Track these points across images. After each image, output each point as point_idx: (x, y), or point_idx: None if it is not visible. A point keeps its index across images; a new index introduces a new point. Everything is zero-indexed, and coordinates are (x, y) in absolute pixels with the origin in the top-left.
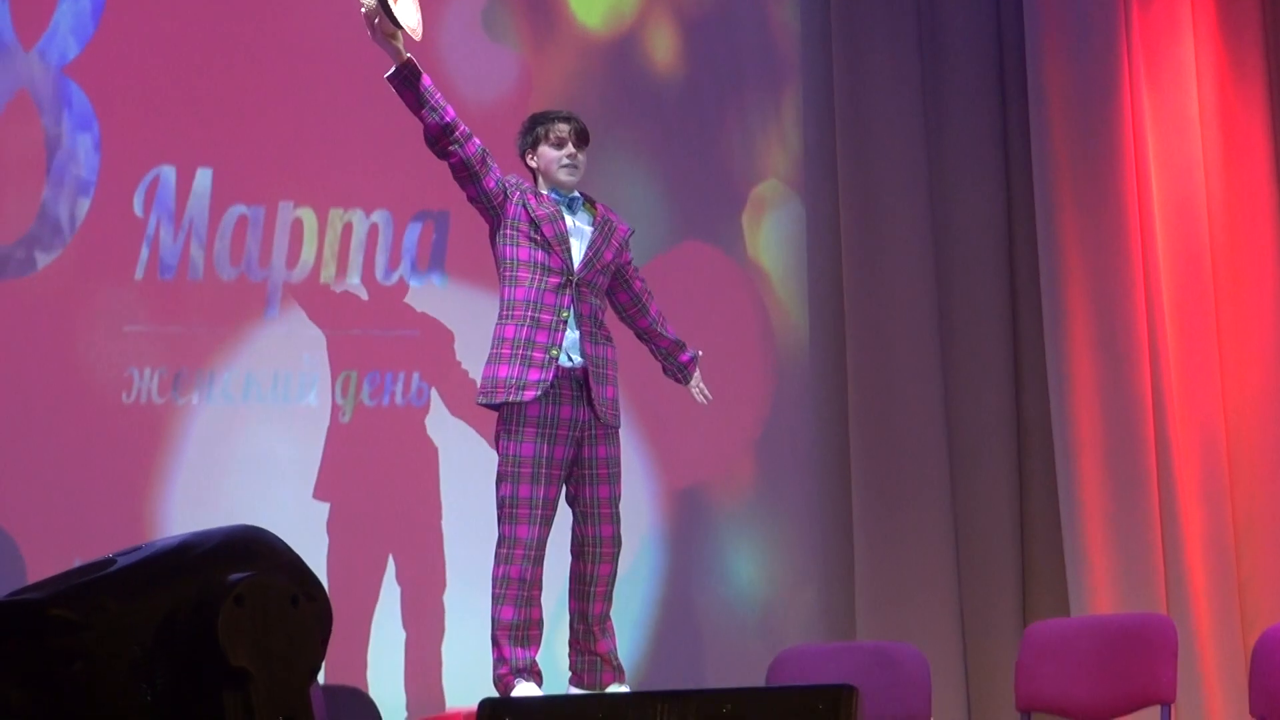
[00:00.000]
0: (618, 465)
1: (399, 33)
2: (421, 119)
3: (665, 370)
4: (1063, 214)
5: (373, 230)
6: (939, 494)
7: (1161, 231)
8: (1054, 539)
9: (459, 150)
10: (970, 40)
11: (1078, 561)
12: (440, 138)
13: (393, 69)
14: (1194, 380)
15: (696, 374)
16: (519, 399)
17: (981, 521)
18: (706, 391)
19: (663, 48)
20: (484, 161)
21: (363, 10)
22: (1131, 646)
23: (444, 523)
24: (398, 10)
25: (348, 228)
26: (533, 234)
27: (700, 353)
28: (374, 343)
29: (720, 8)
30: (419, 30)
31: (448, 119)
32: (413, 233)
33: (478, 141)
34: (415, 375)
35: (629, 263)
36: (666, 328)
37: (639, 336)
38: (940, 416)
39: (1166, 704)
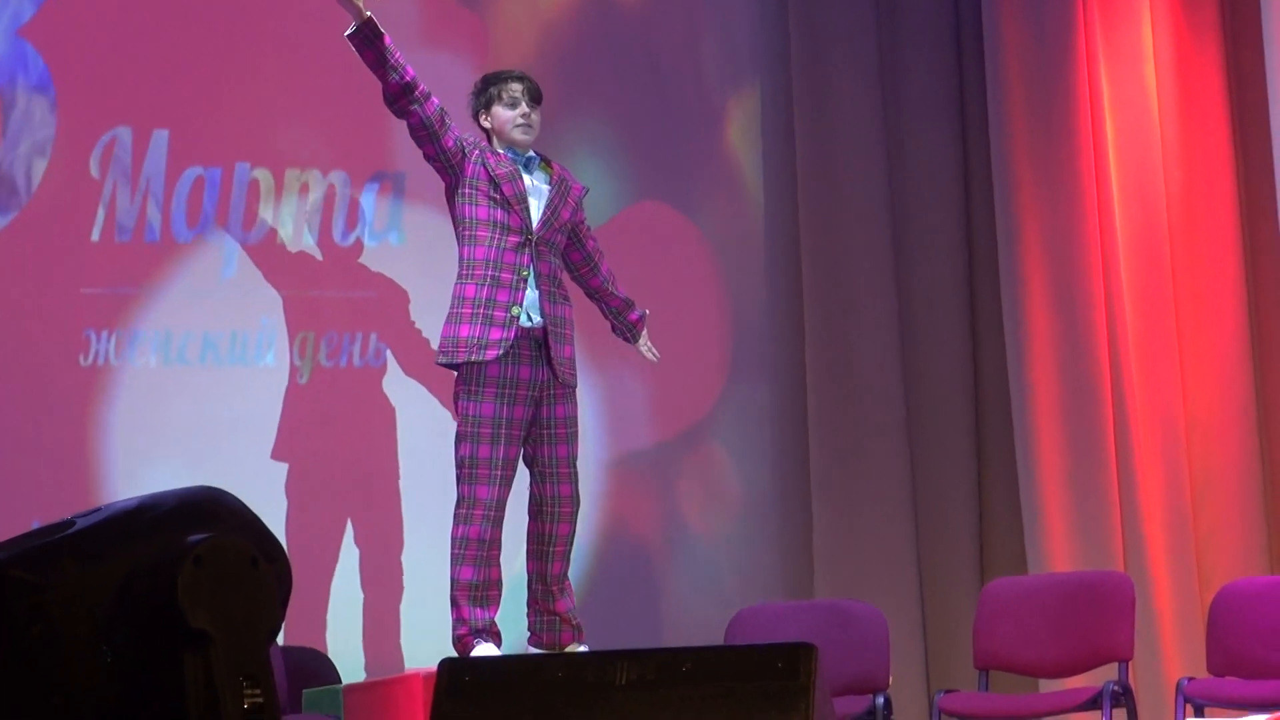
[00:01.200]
0: (575, 425)
1: None
2: (381, 78)
3: (614, 329)
4: (1021, 187)
5: (330, 191)
6: (896, 454)
7: (1119, 199)
8: (1011, 498)
9: (419, 109)
10: (928, 20)
11: (1035, 520)
12: (399, 96)
13: (353, 27)
14: (1150, 340)
15: (644, 333)
16: (481, 358)
17: (939, 480)
18: (654, 350)
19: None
20: (442, 121)
21: None
22: (1089, 604)
23: (402, 484)
24: None
25: (304, 188)
26: (492, 193)
27: (648, 312)
28: (331, 303)
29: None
30: None
31: (408, 78)
32: (370, 193)
33: (436, 101)
34: (373, 336)
35: (582, 222)
36: (617, 287)
37: (589, 295)
38: (898, 378)
39: (1124, 661)
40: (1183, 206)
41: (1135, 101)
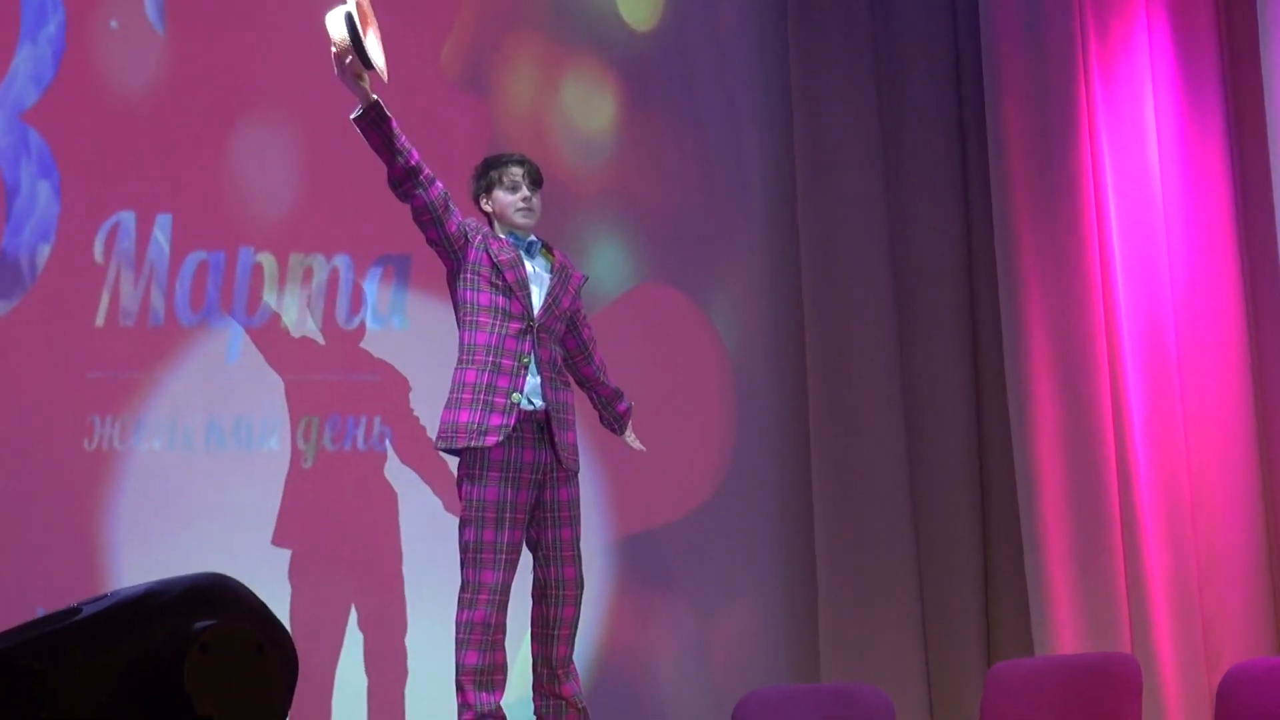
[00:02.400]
0: (578, 508)
1: (367, 73)
2: (386, 162)
3: (602, 419)
4: (1023, 258)
5: (334, 275)
6: (902, 535)
7: (1122, 272)
8: (1018, 579)
9: (423, 194)
10: (928, 83)
11: (1041, 601)
12: (404, 180)
13: (360, 110)
14: (1156, 420)
15: (630, 424)
16: (481, 444)
17: (945, 561)
18: (640, 443)
19: (623, 92)
20: (446, 205)
21: (333, 50)
22: (1096, 686)
23: (405, 567)
24: (369, 50)
25: (308, 272)
26: (494, 279)
27: (634, 404)
28: (336, 387)
29: (679, 55)
30: (386, 72)
31: (413, 162)
32: (374, 277)
33: (440, 185)
34: (377, 419)
35: (580, 310)
36: (607, 376)
37: (580, 383)
38: (903, 458)
39: None
40: (1186, 285)
41: (1138, 181)
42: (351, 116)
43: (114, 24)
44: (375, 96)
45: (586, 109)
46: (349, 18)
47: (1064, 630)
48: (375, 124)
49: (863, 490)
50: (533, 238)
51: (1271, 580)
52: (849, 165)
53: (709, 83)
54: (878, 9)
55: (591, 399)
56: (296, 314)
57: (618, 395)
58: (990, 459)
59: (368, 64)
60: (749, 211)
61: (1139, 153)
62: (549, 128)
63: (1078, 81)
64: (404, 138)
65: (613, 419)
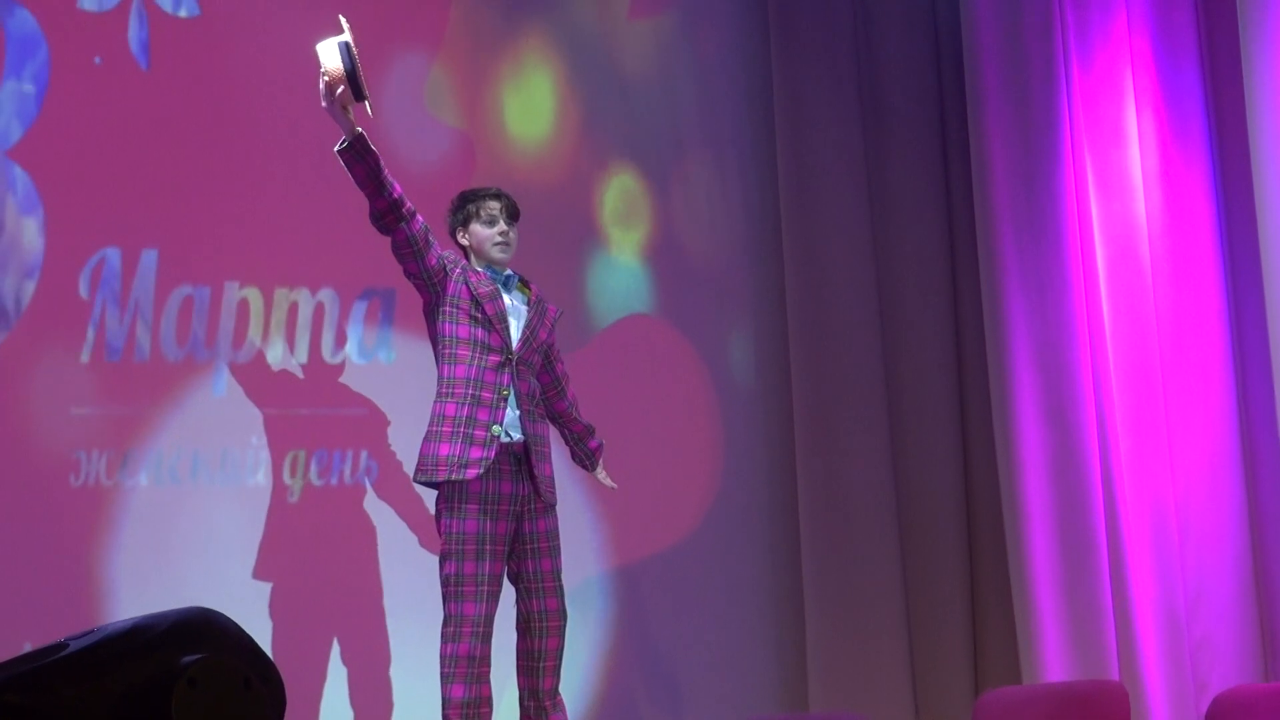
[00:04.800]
0: (557, 538)
1: (354, 106)
2: (369, 195)
3: (574, 456)
4: (1007, 281)
5: (318, 309)
6: (889, 565)
7: (1107, 300)
8: (1004, 607)
9: (405, 227)
10: (911, 105)
11: (1028, 629)
12: (386, 213)
13: (344, 142)
14: (1141, 447)
15: (601, 462)
16: (461, 477)
17: (932, 591)
18: (610, 480)
19: (610, 129)
20: (427, 239)
21: (324, 79)
22: (1084, 714)
23: (389, 601)
24: (362, 82)
25: (293, 307)
26: (474, 311)
27: (604, 442)
28: (321, 421)
29: (664, 82)
30: (370, 106)
31: (395, 195)
32: (359, 311)
33: (421, 219)
34: (364, 453)
35: (554, 345)
36: (579, 413)
37: (551, 418)
38: (890, 488)
39: None
40: (1171, 308)
41: (1121, 200)
42: (336, 148)
43: (98, 60)
44: (359, 129)
45: (571, 138)
46: (346, 47)
47: (1051, 658)
48: (360, 156)
49: (849, 521)
50: (509, 271)
51: (1258, 608)
52: (833, 190)
53: (693, 110)
54: (860, 32)
55: (563, 435)
56: (282, 348)
57: (589, 432)
58: (976, 487)
59: (359, 96)
60: (734, 240)
61: (1121, 171)
62: (528, 159)
63: (1060, 101)
64: (386, 171)
65: (584, 455)
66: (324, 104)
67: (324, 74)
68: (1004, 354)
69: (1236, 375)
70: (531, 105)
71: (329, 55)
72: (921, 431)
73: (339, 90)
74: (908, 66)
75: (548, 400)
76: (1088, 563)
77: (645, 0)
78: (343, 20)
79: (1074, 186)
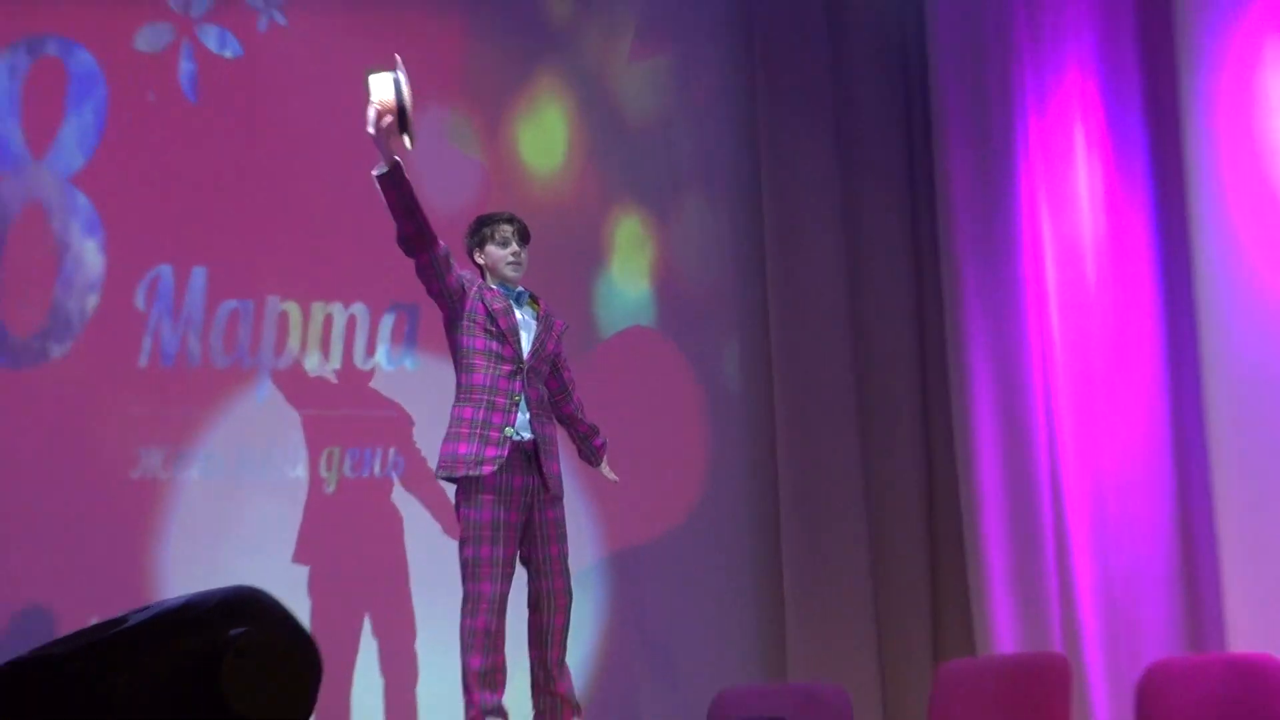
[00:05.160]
0: (564, 526)
1: (395, 138)
2: (399, 220)
3: (580, 453)
4: (967, 304)
5: (351, 321)
6: (859, 551)
7: (1056, 317)
8: (962, 588)
9: (429, 251)
10: (884, 150)
11: (982, 607)
12: (413, 239)
13: (384, 169)
14: (1084, 445)
15: (605, 458)
16: (478, 473)
17: (897, 574)
18: (613, 474)
19: (614, 161)
20: (447, 262)
21: (374, 108)
22: (1031, 683)
23: (415, 580)
24: (410, 117)
25: (328, 319)
26: (488, 325)
27: (608, 440)
28: (353, 421)
29: (662, 128)
30: (410, 140)
31: (422, 222)
32: (386, 323)
33: (443, 244)
34: (392, 450)
35: (561, 354)
36: (585, 414)
37: (560, 420)
38: (859, 483)
39: None
40: (1111, 329)
41: (1070, 233)
42: (375, 173)
43: (151, 96)
44: (397, 158)
45: (580, 169)
46: (398, 82)
47: (1002, 632)
48: (396, 184)
49: (824, 513)
50: (521, 289)
51: (1185, 587)
52: (811, 221)
53: (688, 146)
54: (837, 80)
55: (570, 434)
56: (318, 356)
57: (594, 431)
58: (937, 480)
59: (403, 128)
60: (724, 263)
61: (1070, 201)
62: (540, 188)
63: (1016, 143)
64: (416, 199)
65: (589, 452)
66: (369, 130)
67: (374, 103)
68: (963, 365)
69: (1170, 380)
70: (544, 138)
71: (382, 87)
72: (889, 432)
73: (386, 120)
74: (880, 111)
75: (556, 403)
76: (1035, 548)
77: (644, 44)
78: (398, 58)
79: (1028, 216)
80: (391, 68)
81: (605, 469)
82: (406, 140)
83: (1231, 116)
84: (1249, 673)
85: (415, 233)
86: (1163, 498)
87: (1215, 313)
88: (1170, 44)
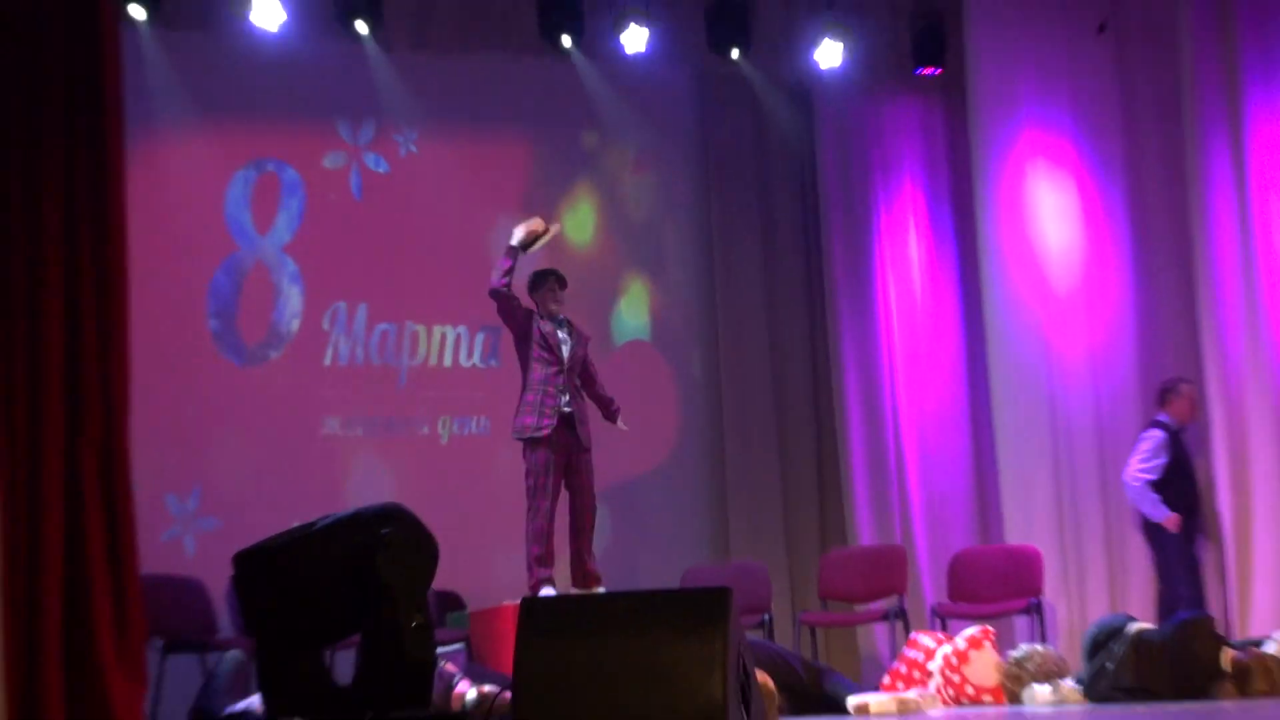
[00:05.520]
0: (591, 465)
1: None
2: (496, 279)
3: (604, 415)
4: (844, 330)
5: (457, 337)
6: (774, 480)
7: (898, 335)
8: (838, 502)
9: (509, 302)
10: (791, 235)
11: (852, 514)
12: (500, 293)
13: (518, 242)
14: (912, 412)
15: (619, 416)
16: (538, 435)
17: (798, 493)
18: (624, 425)
19: (624, 238)
20: (515, 306)
21: (529, 228)
22: (881, 563)
23: (500, 498)
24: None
25: (443, 336)
26: (541, 343)
27: (620, 407)
28: (460, 398)
29: (652, 213)
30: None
31: (506, 287)
32: (480, 338)
33: (515, 298)
34: (484, 417)
35: (588, 357)
36: (605, 391)
37: (589, 396)
38: (775, 434)
39: (901, 593)
40: (931, 341)
41: (906, 287)
42: (511, 243)
43: (332, 196)
44: (516, 260)
45: (602, 243)
46: (546, 233)
47: (864, 530)
48: (513, 256)
49: (751, 454)
50: (561, 316)
51: (978, 499)
52: (746, 282)
53: (668, 234)
54: (762, 191)
55: (597, 404)
56: (438, 357)
57: (611, 400)
58: (823, 433)
59: (526, 249)
60: (692, 304)
61: (906, 266)
62: (578, 253)
63: (873, 234)
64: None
65: (609, 414)
66: (516, 240)
67: (531, 228)
68: (839, 359)
69: (969, 369)
70: (580, 223)
71: (536, 225)
72: (792, 401)
73: (529, 241)
74: (788, 210)
75: (586, 386)
76: (883, 475)
77: (640, 165)
78: (558, 226)
79: (879, 272)
80: (545, 219)
81: (620, 423)
82: (523, 252)
83: (1006, 211)
84: (1019, 557)
85: (505, 290)
86: (963, 440)
87: (995, 327)
88: (968, 166)
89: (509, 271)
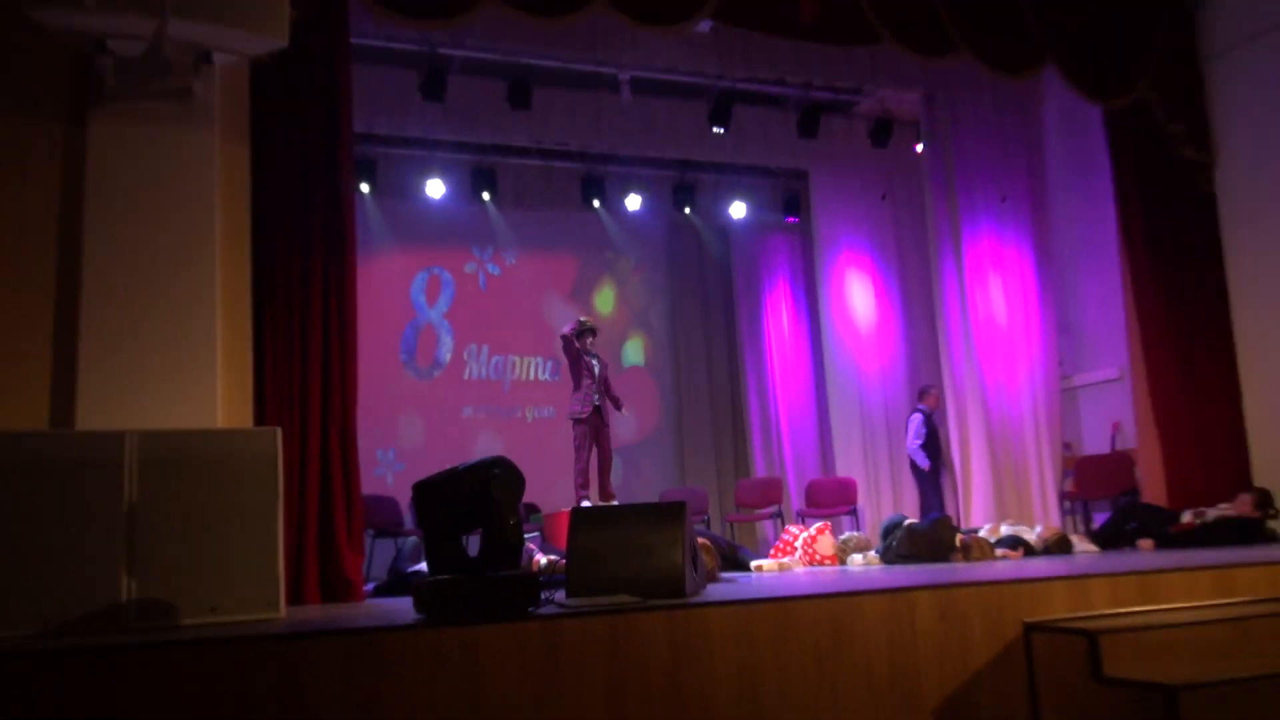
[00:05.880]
0: (609, 434)
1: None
2: (566, 332)
3: (615, 407)
4: (746, 355)
5: (536, 363)
6: (709, 440)
7: (776, 359)
8: (746, 448)
9: (569, 344)
10: (718, 307)
11: (751, 456)
12: (567, 339)
13: (575, 326)
14: (785, 402)
15: (625, 408)
16: (581, 417)
17: (727, 446)
18: (628, 413)
19: (631, 310)
20: (573, 345)
21: (585, 322)
22: (769, 486)
23: (559, 451)
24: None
25: (527, 363)
26: (586, 367)
27: (624, 398)
28: (538, 396)
29: (645, 300)
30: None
31: (570, 334)
32: (548, 364)
33: (572, 340)
34: (551, 407)
35: (607, 375)
36: (615, 392)
37: (607, 396)
38: (709, 411)
39: (778, 504)
40: (794, 365)
41: (780, 340)
42: (565, 333)
43: (468, 288)
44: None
45: (619, 311)
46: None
47: (759, 465)
48: (571, 327)
49: (697, 426)
50: (594, 351)
51: (820, 451)
52: (699, 339)
53: (654, 313)
54: (704, 289)
55: (611, 401)
56: (524, 374)
57: (619, 399)
58: (737, 410)
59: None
60: (667, 350)
61: (780, 331)
62: (604, 316)
63: (762, 312)
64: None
65: (618, 406)
66: (571, 327)
67: (581, 319)
68: (742, 369)
69: (815, 380)
70: (605, 301)
71: (584, 318)
72: (720, 405)
73: (581, 327)
74: (719, 298)
75: (606, 391)
76: (769, 439)
77: (638, 269)
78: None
79: (765, 333)
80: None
81: (624, 411)
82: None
83: (834, 297)
84: (844, 482)
85: (569, 335)
86: (811, 419)
87: (829, 356)
88: (814, 273)
89: (572, 331)
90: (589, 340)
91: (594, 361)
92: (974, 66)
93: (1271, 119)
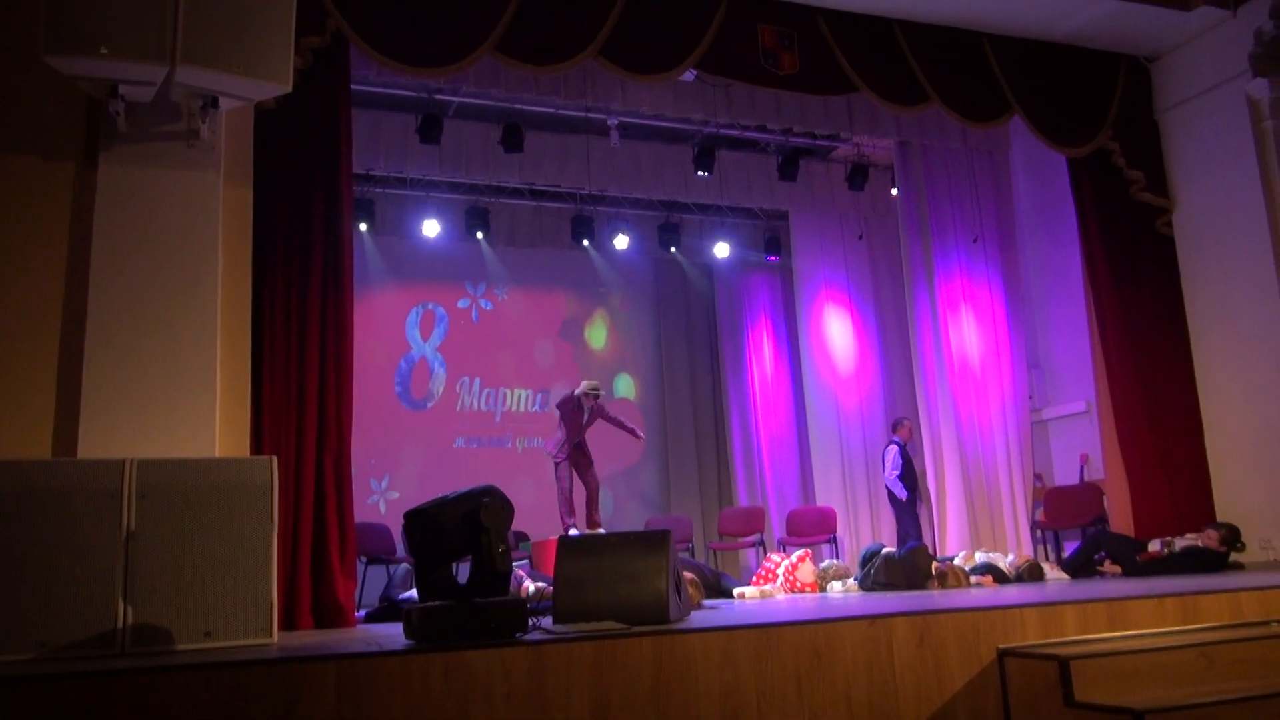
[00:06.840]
0: (594, 463)
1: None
2: (577, 395)
3: (633, 435)
4: (730, 389)
5: (526, 395)
6: (693, 469)
7: (758, 392)
8: (730, 478)
9: (571, 401)
10: (702, 349)
11: (734, 485)
12: (570, 399)
13: (584, 390)
14: (766, 432)
15: (632, 430)
16: (560, 460)
17: (710, 472)
18: (641, 435)
19: (623, 349)
20: (570, 401)
21: (597, 392)
22: (751, 515)
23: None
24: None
25: (518, 395)
26: (575, 426)
27: (623, 418)
28: (528, 427)
29: (635, 338)
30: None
31: (571, 397)
32: (537, 396)
33: (577, 399)
34: (538, 439)
35: (604, 408)
36: (627, 424)
37: (619, 428)
38: (693, 438)
39: (760, 532)
40: (775, 400)
41: (762, 373)
42: (579, 392)
43: (460, 322)
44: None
45: (611, 350)
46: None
47: (741, 494)
48: (581, 389)
49: (683, 462)
50: (590, 405)
51: (801, 481)
52: (686, 375)
53: (641, 351)
54: (690, 328)
55: (628, 432)
56: (514, 405)
57: (635, 429)
58: (720, 442)
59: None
60: (654, 386)
61: (762, 364)
62: (596, 357)
63: (744, 350)
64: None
65: (634, 435)
66: (584, 392)
67: (588, 383)
68: (726, 400)
69: (796, 409)
70: (597, 338)
71: (591, 383)
72: (704, 435)
73: (587, 394)
74: (703, 337)
75: (617, 424)
76: (751, 469)
77: (624, 305)
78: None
79: (746, 368)
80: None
81: (640, 435)
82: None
83: (814, 332)
84: (824, 511)
85: (571, 397)
86: (794, 450)
87: (809, 389)
88: (795, 309)
89: (577, 394)
90: (591, 397)
91: (585, 417)
92: (945, 116)
93: (1224, 167)
